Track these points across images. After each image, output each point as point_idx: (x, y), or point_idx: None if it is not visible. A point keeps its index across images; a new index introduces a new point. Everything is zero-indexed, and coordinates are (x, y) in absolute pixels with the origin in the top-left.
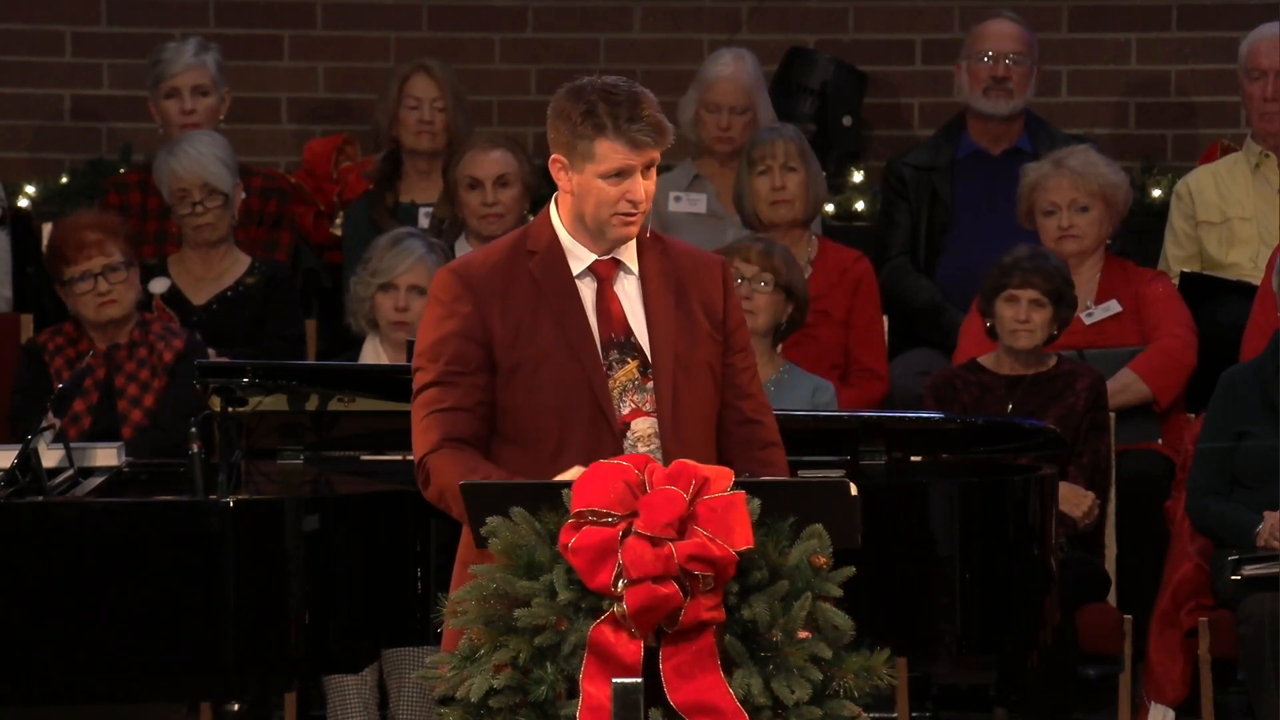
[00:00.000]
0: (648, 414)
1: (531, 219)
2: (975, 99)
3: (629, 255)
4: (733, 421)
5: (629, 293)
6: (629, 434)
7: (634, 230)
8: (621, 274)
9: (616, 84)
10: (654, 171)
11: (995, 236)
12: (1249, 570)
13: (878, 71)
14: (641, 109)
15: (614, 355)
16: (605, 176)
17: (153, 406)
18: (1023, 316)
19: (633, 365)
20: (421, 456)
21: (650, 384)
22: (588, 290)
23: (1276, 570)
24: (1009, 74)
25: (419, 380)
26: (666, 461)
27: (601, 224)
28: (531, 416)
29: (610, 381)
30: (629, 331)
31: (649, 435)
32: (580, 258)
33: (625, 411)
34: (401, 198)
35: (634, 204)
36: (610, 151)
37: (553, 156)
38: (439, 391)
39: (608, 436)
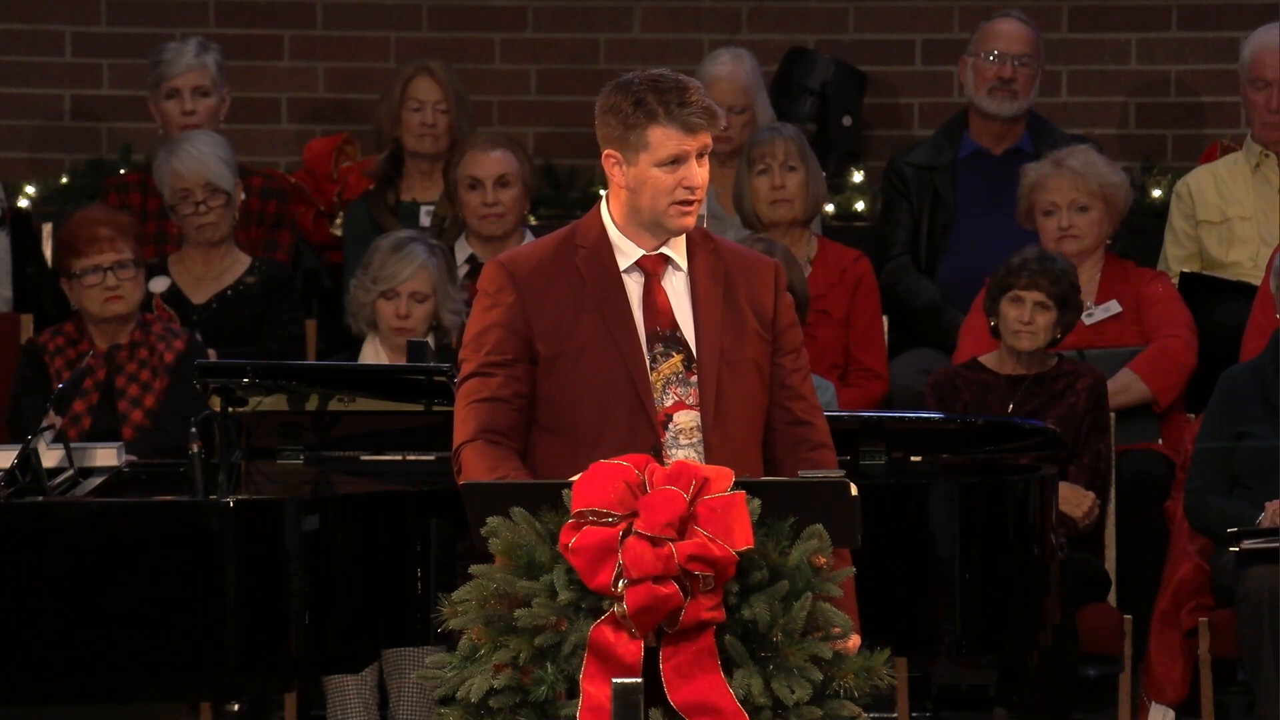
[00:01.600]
0: (690, 407)
1: (532, 219)
2: (979, 98)
3: (679, 252)
4: (783, 422)
5: (677, 288)
6: (670, 426)
7: (691, 220)
8: (670, 270)
9: (663, 73)
10: (707, 160)
11: (996, 236)
12: (1249, 544)
13: (878, 71)
14: (689, 94)
15: (659, 348)
16: (661, 164)
17: (153, 407)
18: (1026, 318)
19: (677, 359)
20: (457, 446)
21: (694, 378)
22: (634, 284)
23: (1276, 544)
24: (1015, 75)
25: (463, 371)
26: (708, 454)
27: (659, 215)
28: (571, 407)
29: (654, 374)
30: (675, 326)
31: (691, 428)
32: (628, 253)
33: (668, 404)
34: (403, 196)
35: (691, 190)
36: (664, 138)
37: (605, 152)
38: (478, 383)
39: (646, 428)
